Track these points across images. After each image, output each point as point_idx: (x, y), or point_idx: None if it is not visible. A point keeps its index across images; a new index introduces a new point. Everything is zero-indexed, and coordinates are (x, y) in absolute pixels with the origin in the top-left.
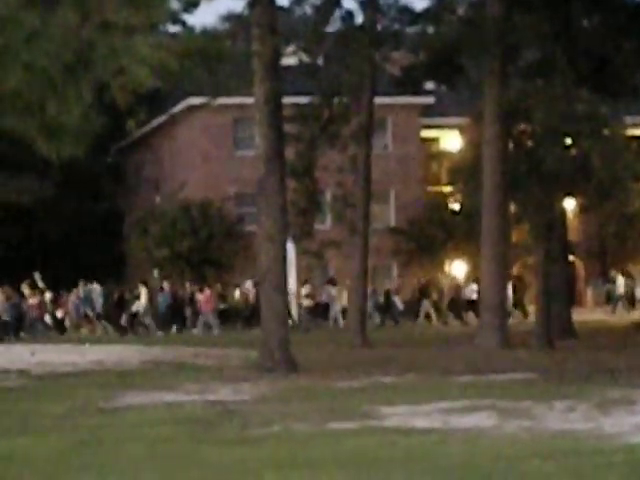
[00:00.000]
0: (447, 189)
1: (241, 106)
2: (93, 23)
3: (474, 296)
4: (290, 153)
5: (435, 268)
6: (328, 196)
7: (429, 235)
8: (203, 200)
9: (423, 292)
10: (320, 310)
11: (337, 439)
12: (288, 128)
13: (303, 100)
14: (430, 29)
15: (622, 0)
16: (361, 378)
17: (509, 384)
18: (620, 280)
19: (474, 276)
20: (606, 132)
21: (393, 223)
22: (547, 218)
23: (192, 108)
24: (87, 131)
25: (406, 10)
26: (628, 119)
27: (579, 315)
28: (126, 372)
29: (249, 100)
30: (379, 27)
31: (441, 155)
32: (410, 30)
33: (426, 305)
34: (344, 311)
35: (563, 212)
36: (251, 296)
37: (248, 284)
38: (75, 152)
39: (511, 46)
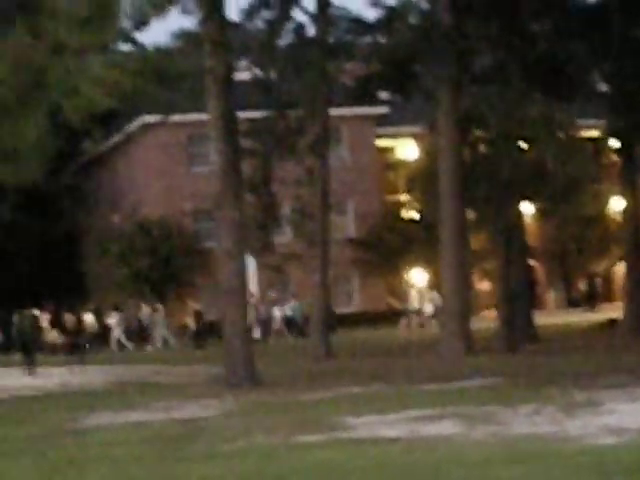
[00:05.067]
0: (404, 198)
1: (196, 123)
2: (45, 46)
3: (289, 313)
4: (246, 167)
5: (395, 277)
6: (287, 209)
7: (388, 244)
8: (161, 218)
9: None
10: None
11: (304, 452)
12: (244, 143)
13: (258, 114)
14: (382, 39)
15: (572, 4)
16: (326, 390)
17: (474, 390)
18: (414, 294)
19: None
20: (560, 135)
21: (353, 233)
22: (505, 223)
23: (147, 126)
24: (42, 154)
25: (358, 21)
26: (582, 122)
27: (541, 318)
28: (91, 393)
29: (203, 116)
30: (331, 39)
31: (397, 164)
32: (362, 40)
33: None
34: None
35: (521, 216)
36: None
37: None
38: (31, 175)
39: (464, 53)
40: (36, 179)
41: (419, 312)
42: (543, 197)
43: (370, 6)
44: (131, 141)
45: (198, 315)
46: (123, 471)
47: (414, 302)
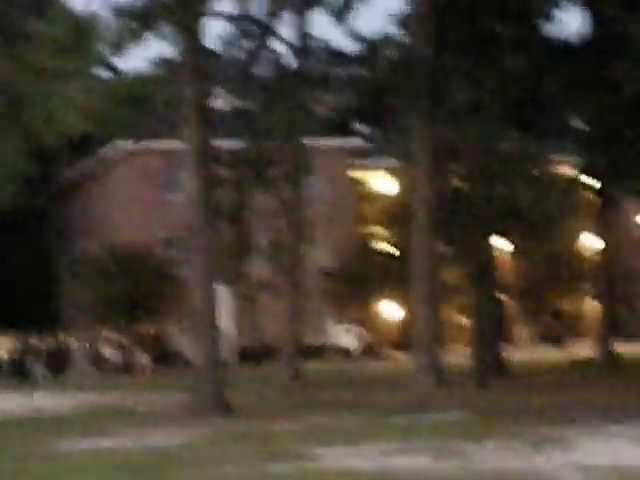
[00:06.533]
0: (377, 230)
1: (170, 150)
2: (25, 71)
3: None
4: (222, 196)
5: (367, 309)
6: (259, 238)
7: (360, 276)
8: (131, 243)
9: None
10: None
11: None
12: (219, 171)
13: (234, 143)
14: (360, 71)
15: (546, 39)
16: (296, 420)
17: (443, 424)
18: (332, 329)
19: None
20: (534, 171)
21: (325, 265)
22: (478, 258)
23: (121, 152)
24: (16, 177)
25: (336, 53)
26: (557, 158)
27: (511, 354)
28: (63, 419)
29: (178, 144)
30: (309, 70)
31: (371, 197)
32: (340, 72)
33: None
34: None
35: (493, 252)
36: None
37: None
38: (4, 198)
39: (440, 87)
40: (11, 203)
41: (342, 347)
42: (516, 233)
43: (350, 39)
44: (105, 166)
45: (122, 348)
46: None
47: (332, 337)
